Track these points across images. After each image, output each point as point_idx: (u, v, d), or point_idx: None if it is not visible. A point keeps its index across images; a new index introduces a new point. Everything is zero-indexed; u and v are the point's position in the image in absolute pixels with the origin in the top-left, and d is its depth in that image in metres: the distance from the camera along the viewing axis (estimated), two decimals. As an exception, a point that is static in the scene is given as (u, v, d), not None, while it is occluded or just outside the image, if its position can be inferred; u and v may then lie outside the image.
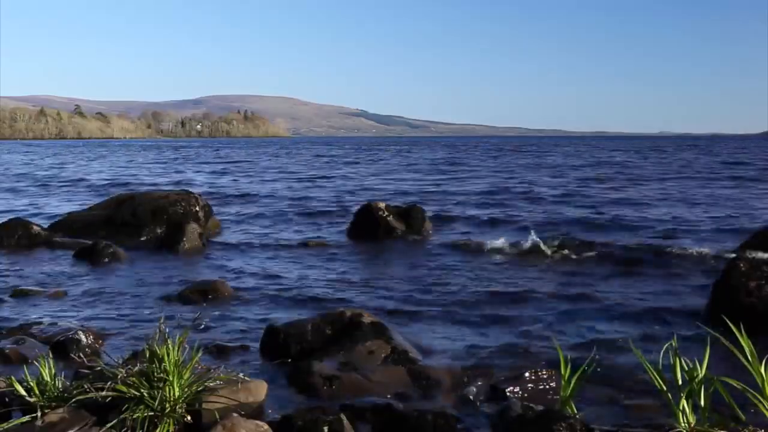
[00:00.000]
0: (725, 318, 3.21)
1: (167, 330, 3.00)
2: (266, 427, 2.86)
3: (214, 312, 5.36)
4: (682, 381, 2.78)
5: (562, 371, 3.14)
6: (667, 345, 2.94)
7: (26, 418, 2.88)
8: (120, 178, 23.38)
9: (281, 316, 5.14)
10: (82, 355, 3.52)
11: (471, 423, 3.20)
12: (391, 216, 9.16)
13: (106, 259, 7.48)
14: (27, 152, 57.85)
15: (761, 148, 59.08)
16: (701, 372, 2.77)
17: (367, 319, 4.29)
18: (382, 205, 9.43)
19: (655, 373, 2.85)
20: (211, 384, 3.01)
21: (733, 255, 6.48)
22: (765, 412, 2.65)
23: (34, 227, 8.94)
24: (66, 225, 9.69)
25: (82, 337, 4.41)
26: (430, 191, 17.22)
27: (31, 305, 5.63)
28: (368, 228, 9.17)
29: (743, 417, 2.75)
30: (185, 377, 2.93)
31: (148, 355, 2.97)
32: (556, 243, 8.72)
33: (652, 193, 16.14)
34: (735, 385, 2.69)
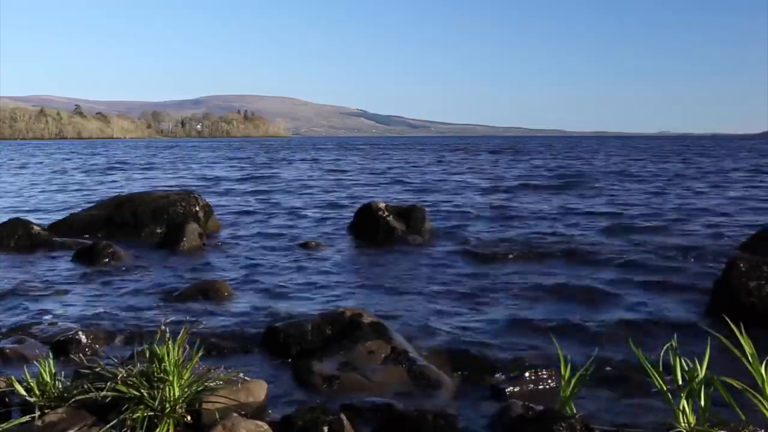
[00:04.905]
0: (725, 318, 3.21)
1: (167, 330, 3.00)
2: (266, 427, 2.86)
3: (214, 312, 5.36)
4: (682, 381, 2.78)
5: (562, 371, 3.14)
6: (667, 345, 2.95)
7: (26, 418, 2.88)
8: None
9: (281, 316, 5.15)
10: (82, 356, 3.51)
11: (471, 423, 3.20)
12: (391, 216, 9.16)
13: (106, 260, 7.48)
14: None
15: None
16: (701, 372, 2.77)
17: (367, 319, 4.30)
18: (382, 204, 9.42)
19: (655, 373, 2.85)
20: (211, 384, 3.01)
21: (733, 255, 6.48)
22: (765, 412, 2.65)
23: (35, 227, 8.93)
24: (66, 225, 9.69)
25: (82, 337, 4.41)
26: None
27: (31, 305, 5.63)
28: (368, 228, 9.16)
29: (743, 417, 2.75)
30: (185, 377, 2.93)
31: (148, 355, 2.97)
32: (559, 242, 8.74)
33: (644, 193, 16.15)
34: (735, 385, 2.70)
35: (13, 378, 3.08)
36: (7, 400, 3.15)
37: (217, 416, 2.87)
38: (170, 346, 2.92)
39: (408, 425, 3.02)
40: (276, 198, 15.77)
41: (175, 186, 18.53)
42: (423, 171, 27.20)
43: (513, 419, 2.96)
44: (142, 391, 2.84)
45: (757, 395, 2.66)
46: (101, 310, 5.48)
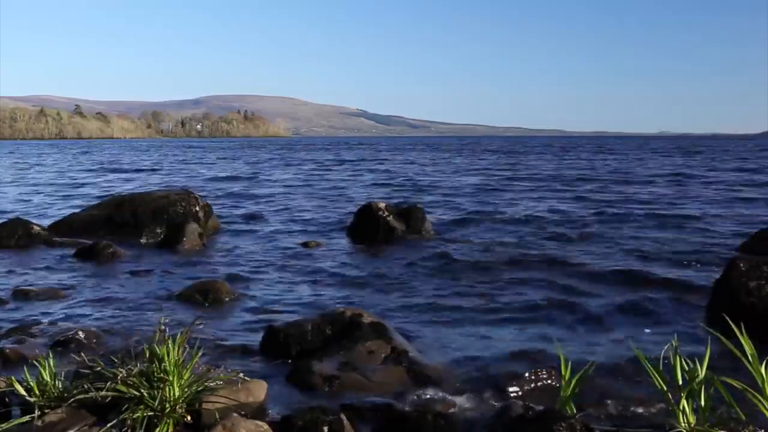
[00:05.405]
0: (725, 318, 3.21)
1: (167, 330, 3.00)
2: (266, 427, 2.86)
3: (214, 312, 5.36)
4: (683, 381, 2.79)
5: (562, 371, 3.14)
6: (667, 345, 2.95)
7: (26, 418, 2.88)
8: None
9: (281, 316, 5.15)
10: (82, 355, 3.52)
11: (471, 423, 3.20)
12: (391, 216, 9.16)
13: (106, 259, 7.48)
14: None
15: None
16: (701, 372, 2.77)
17: (367, 319, 4.30)
18: (382, 205, 9.43)
19: (655, 373, 2.85)
20: (211, 384, 3.01)
21: (733, 255, 6.48)
22: (765, 412, 2.65)
23: (35, 227, 8.94)
24: (66, 225, 9.69)
25: (82, 337, 4.41)
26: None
27: (31, 305, 5.63)
28: (368, 228, 9.16)
29: (743, 417, 2.75)
30: (185, 377, 2.93)
31: (148, 355, 2.97)
32: (559, 242, 8.74)
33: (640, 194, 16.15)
34: (735, 385, 2.70)
35: (13, 378, 3.08)
36: (7, 400, 3.15)
37: (217, 416, 2.87)
38: (170, 346, 2.92)
39: (408, 425, 3.02)
40: (275, 198, 15.77)
41: (175, 186, 18.53)
42: (423, 171, 27.20)
43: (513, 419, 2.95)
44: (142, 391, 2.84)
45: (757, 395, 2.66)
46: (101, 309, 5.48)
